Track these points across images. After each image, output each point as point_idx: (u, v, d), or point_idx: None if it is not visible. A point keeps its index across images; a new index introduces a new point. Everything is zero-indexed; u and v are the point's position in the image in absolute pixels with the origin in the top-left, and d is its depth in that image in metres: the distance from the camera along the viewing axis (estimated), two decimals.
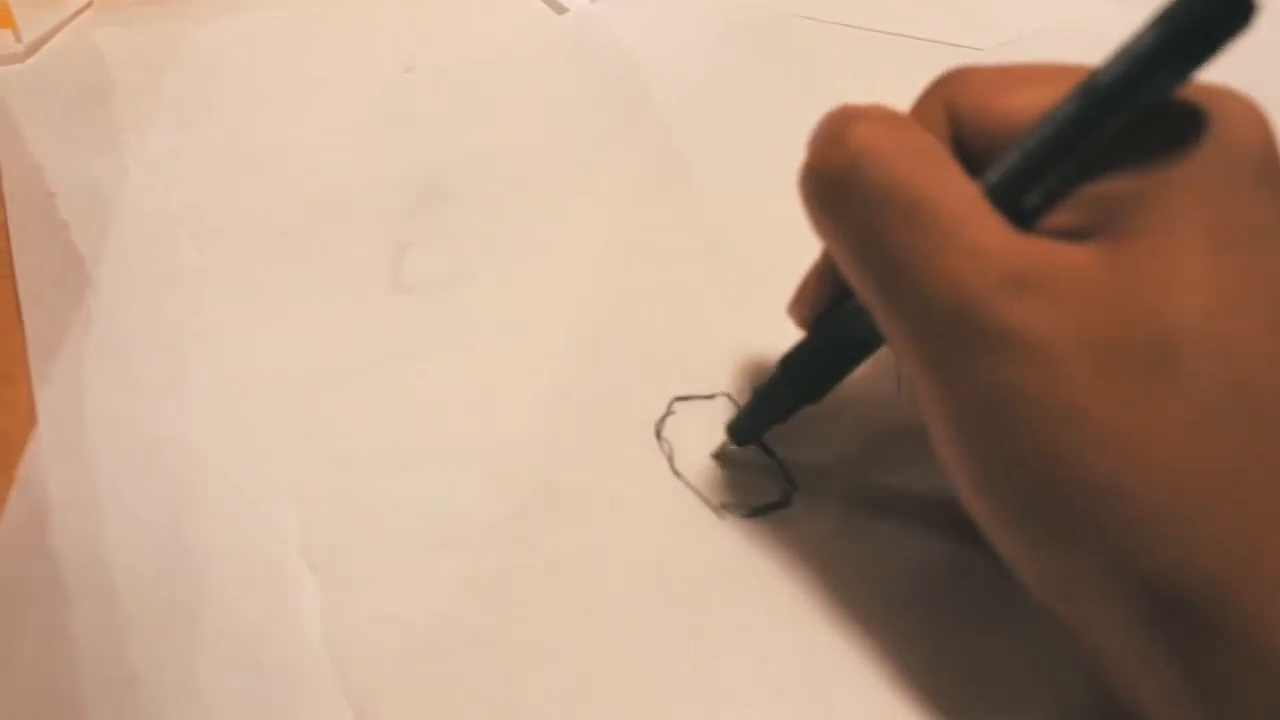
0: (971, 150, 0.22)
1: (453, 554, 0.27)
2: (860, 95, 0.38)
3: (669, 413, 0.30)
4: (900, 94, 0.39)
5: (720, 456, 0.29)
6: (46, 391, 0.30)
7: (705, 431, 0.29)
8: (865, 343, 0.26)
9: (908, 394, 0.30)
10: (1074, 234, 0.21)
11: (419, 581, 0.26)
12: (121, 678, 0.24)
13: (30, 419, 0.30)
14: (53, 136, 0.37)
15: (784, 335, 0.27)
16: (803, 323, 0.28)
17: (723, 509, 0.28)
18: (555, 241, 0.34)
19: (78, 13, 0.41)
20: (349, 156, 0.37)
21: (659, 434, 0.29)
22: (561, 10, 0.42)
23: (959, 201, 0.21)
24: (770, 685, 0.25)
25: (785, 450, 0.29)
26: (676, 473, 0.28)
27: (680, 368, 0.31)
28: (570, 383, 0.30)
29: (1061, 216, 0.21)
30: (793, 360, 0.27)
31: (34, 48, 0.40)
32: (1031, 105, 0.22)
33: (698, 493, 0.28)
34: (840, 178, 0.22)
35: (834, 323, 0.26)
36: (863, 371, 0.29)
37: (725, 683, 0.25)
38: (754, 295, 0.32)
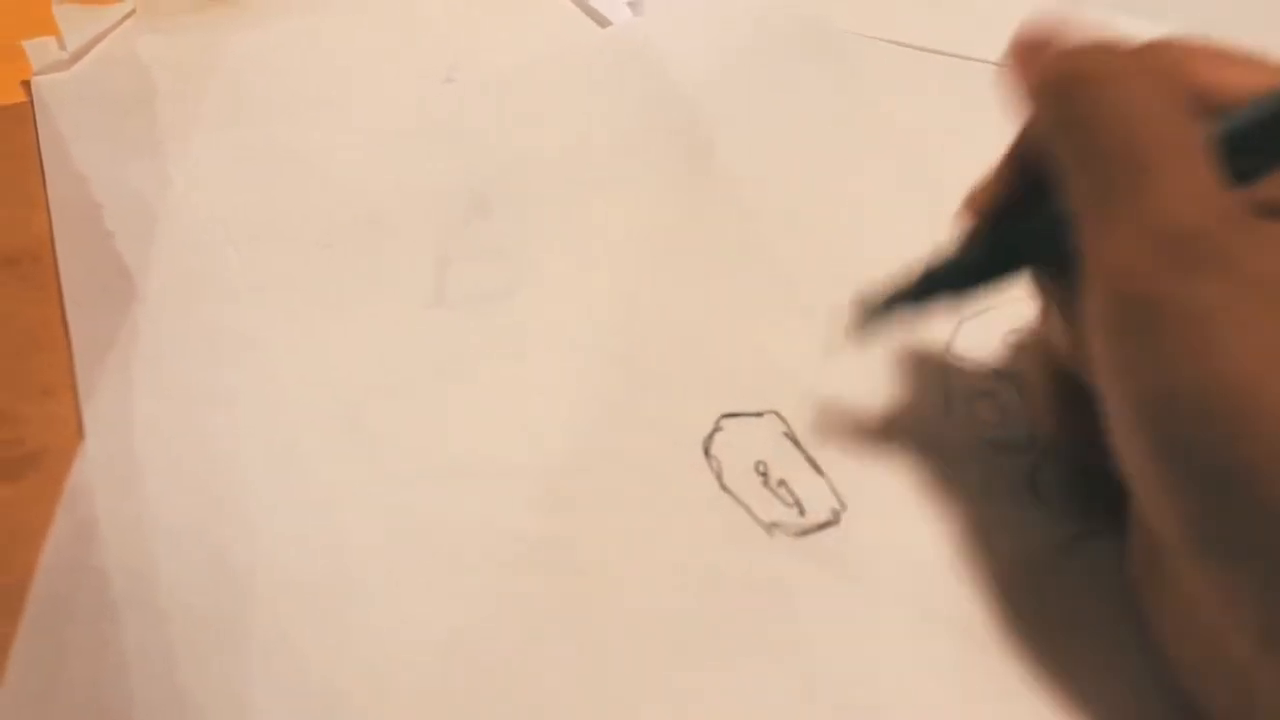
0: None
1: (500, 570, 0.26)
2: (904, 112, 0.38)
3: (716, 429, 0.29)
4: (943, 110, 0.39)
5: (850, 334, 0.28)
6: (93, 405, 0.30)
7: (753, 449, 0.29)
8: (1030, 253, 0.26)
9: (958, 413, 0.29)
10: (1274, 211, 0.21)
11: (466, 598, 0.26)
12: (170, 695, 0.24)
13: (75, 432, 0.30)
14: (97, 145, 0.37)
15: (830, 353, 0.27)
16: (977, 212, 0.27)
17: (772, 527, 0.27)
18: (598, 255, 0.34)
19: (120, 21, 0.41)
20: (391, 168, 0.36)
21: (707, 451, 0.29)
22: (605, 23, 0.42)
23: (1199, 143, 0.21)
24: (819, 703, 0.24)
25: (834, 468, 0.28)
26: (726, 490, 0.28)
27: (726, 383, 0.30)
28: (616, 398, 0.30)
29: (1265, 190, 0.22)
30: (969, 239, 0.27)
31: (77, 56, 0.40)
32: (1246, 82, 0.23)
33: (748, 511, 0.28)
34: (1095, 89, 0.22)
35: (1018, 225, 0.26)
36: (912, 389, 0.29)
37: (774, 700, 0.24)
38: (800, 310, 0.32)
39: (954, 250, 0.27)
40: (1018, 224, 0.26)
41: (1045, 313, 0.27)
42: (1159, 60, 0.23)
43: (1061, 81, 0.23)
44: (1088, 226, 0.22)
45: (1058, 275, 0.26)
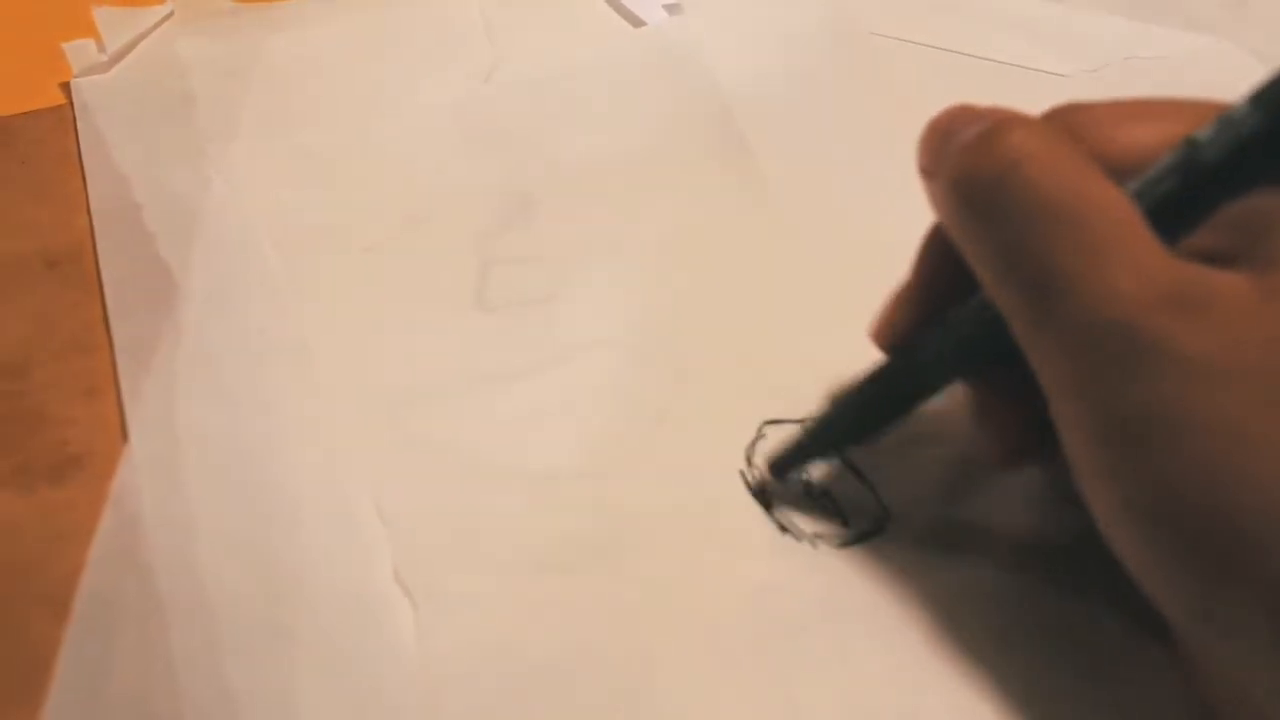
0: None
1: (547, 578, 0.26)
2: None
3: (759, 436, 0.29)
4: None
5: (759, 493, 0.28)
6: (137, 406, 0.30)
7: None
8: (938, 380, 0.25)
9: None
10: (1214, 257, 0.20)
11: (514, 606, 0.26)
12: (218, 696, 0.24)
13: (119, 433, 0.30)
14: (137, 147, 0.37)
15: (874, 355, 0.27)
16: (887, 347, 0.27)
17: (816, 538, 0.27)
18: (637, 258, 0.34)
19: (159, 23, 0.41)
20: (430, 170, 0.37)
21: (749, 459, 0.29)
22: (638, 23, 0.42)
23: (1122, 217, 0.20)
24: (865, 714, 0.24)
25: (877, 476, 0.28)
26: (769, 498, 0.28)
27: (769, 388, 0.30)
28: (658, 403, 0.30)
29: (1200, 239, 0.21)
30: (851, 396, 0.27)
31: (116, 58, 0.40)
32: (1155, 140, 0.22)
33: (790, 520, 0.28)
34: (998, 185, 0.21)
35: (918, 354, 0.25)
36: (954, 393, 0.29)
37: (820, 712, 0.24)
38: (843, 314, 0.31)
39: (866, 388, 0.27)
40: (935, 344, 0.25)
41: (981, 411, 0.26)
42: (1064, 129, 0.22)
43: (966, 184, 0.22)
44: (1029, 336, 0.21)
45: (993, 381, 0.25)
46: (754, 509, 0.28)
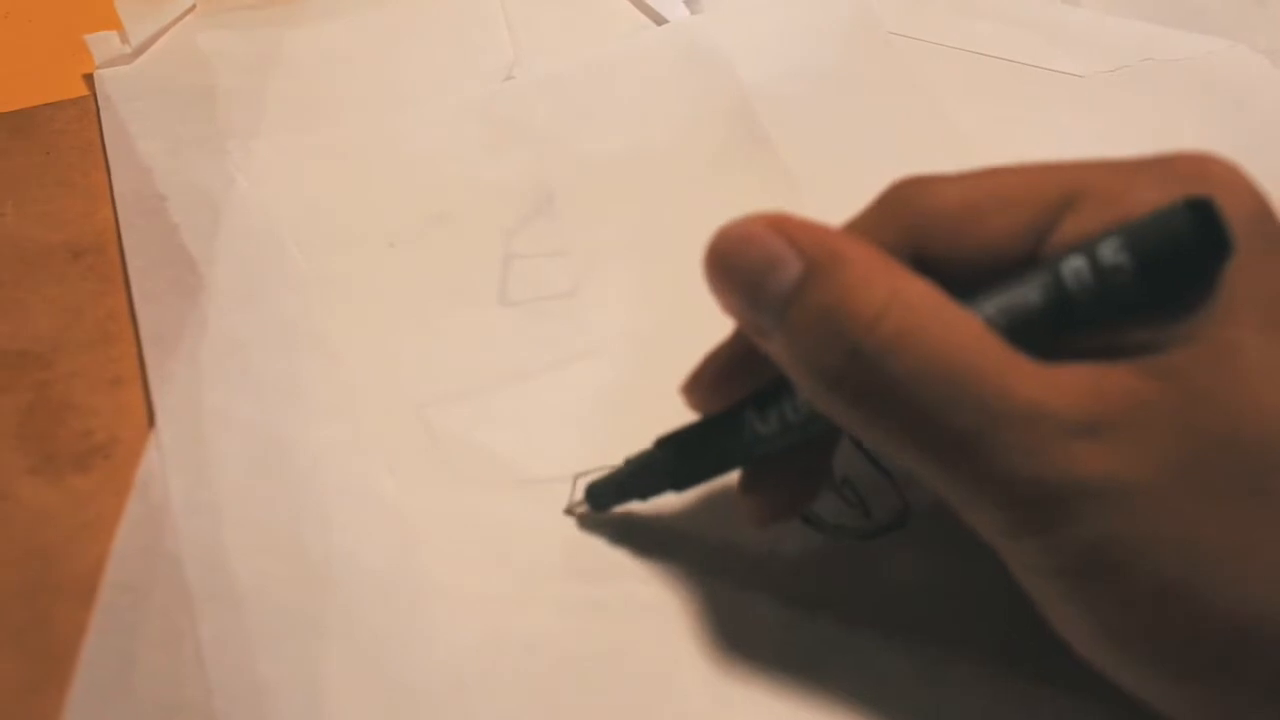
0: (935, 267, 0.21)
1: (571, 575, 0.27)
2: (962, 116, 0.38)
3: None
4: (1002, 117, 0.39)
5: (573, 513, 0.28)
6: (164, 394, 0.30)
7: None
8: (759, 455, 0.24)
9: None
10: (1104, 352, 0.20)
11: (544, 604, 0.26)
12: (246, 683, 0.25)
13: (144, 422, 0.30)
14: (160, 139, 0.37)
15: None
16: (699, 408, 0.26)
17: (837, 531, 0.27)
18: (659, 252, 0.34)
19: (182, 15, 0.41)
20: (452, 165, 0.37)
21: None
22: (660, 20, 0.42)
23: (992, 357, 0.19)
24: (888, 704, 0.24)
25: (899, 470, 0.28)
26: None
27: None
28: (678, 401, 0.30)
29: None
30: (672, 446, 0.26)
31: (140, 50, 0.40)
32: (1010, 231, 0.21)
33: (811, 514, 0.28)
34: (866, 373, 0.20)
35: (734, 430, 0.24)
36: None
37: (838, 709, 0.24)
38: None
39: (690, 444, 0.26)
40: (772, 433, 0.24)
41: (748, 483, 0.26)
42: (885, 218, 0.22)
43: (832, 378, 0.20)
44: (951, 493, 0.20)
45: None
46: None
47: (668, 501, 0.28)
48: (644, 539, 0.27)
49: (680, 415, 0.29)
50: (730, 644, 0.26)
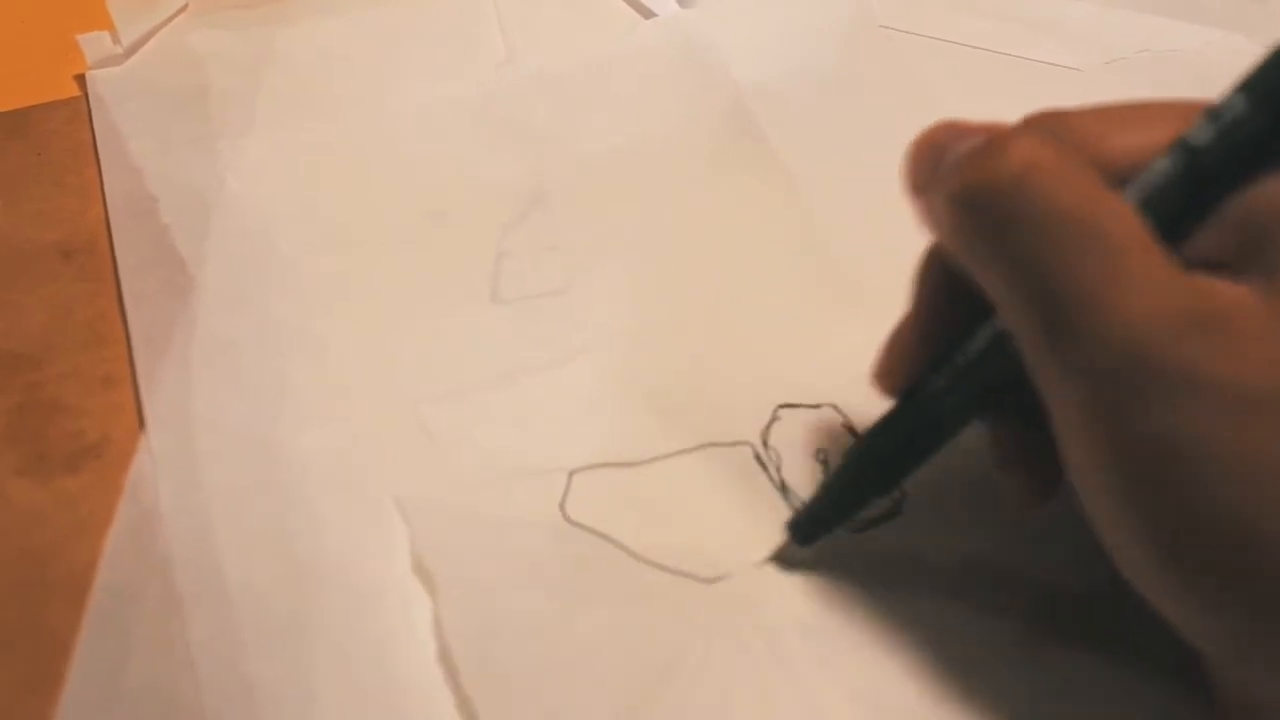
0: None
1: (565, 569, 0.26)
2: (958, 108, 0.38)
3: (774, 419, 0.29)
4: (999, 111, 0.38)
5: (781, 559, 0.27)
6: (154, 396, 0.30)
7: (811, 441, 0.29)
8: (954, 424, 0.24)
9: None
10: (1214, 263, 0.20)
11: (538, 600, 0.26)
12: (236, 684, 0.24)
13: (135, 423, 0.30)
14: (152, 139, 0.37)
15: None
16: (894, 391, 0.25)
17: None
18: (655, 250, 0.34)
19: (174, 15, 0.41)
20: (445, 163, 0.37)
21: (765, 442, 0.29)
22: (648, 14, 0.42)
23: (1132, 230, 0.19)
24: (883, 696, 0.24)
25: None
26: (783, 483, 0.28)
27: (783, 376, 0.30)
28: (676, 395, 0.30)
29: (1202, 244, 0.20)
30: (865, 446, 0.25)
31: (131, 50, 0.40)
32: (1142, 146, 0.21)
33: (805, 504, 0.28)
34: (1004, 198, 0.20)
35: (921, 401, 0.24)
36: None
37: (833, 700, 0.24)
38: (859, 306, 0.32)
39: (879, 442, 0.25)
40: (948, 385, 0.23)
41: (1001, 452, 0.25)
42: (1060, 138, 0.21)
43: (970, 197, 0.21)
44: (1041, 358, 0.20)
45: (1010, 419, 0.24)
46: (770, 497, 0.28)
47: (665, 491, 0.28)
48: (637, 528, 0.27)
49: (677, 414, 0.29)
50: (727, 633, 0.25)
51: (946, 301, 0.24)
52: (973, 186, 0.21)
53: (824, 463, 0.28)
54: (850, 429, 0.29)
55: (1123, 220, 0.20)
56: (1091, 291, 0.19)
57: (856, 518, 0.26)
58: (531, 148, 0.37)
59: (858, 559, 0.27)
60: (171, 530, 0.27)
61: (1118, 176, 0.20)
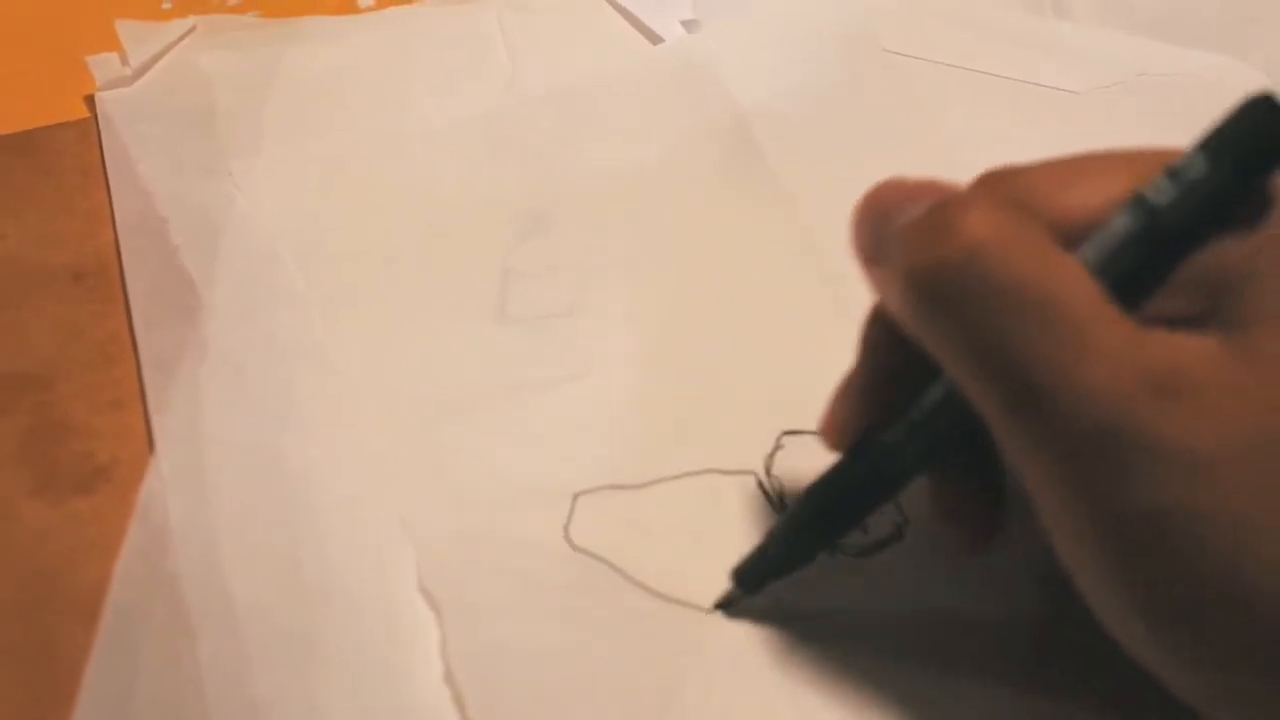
0: None
1: (570, 589, 0.27)
2: (958, 133, 0.39)
3: (777, 447, 0.30)
4: (999, 133, 0.39)
5: (725, 605, 0.27)
6: (164, 417, 0.30)
7: (814, 468, 0.29)
8: (903, 479, 0.24)
9: None
10: (1177, 320, 0.20)
11: (542, 620, 0.26)
12: (245, 707, 0.25)
13: (145, 444, 0.30)
14: (161, 160, 0.37)
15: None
16: (842, 446, 0.25)
17: (834, 547, 0.27)
18: (656, 271, 0.34)
19: (182, 37, 0.42)
20: (450, 183, 0.37)
21: (768, 470, 0.29)
22: (656, 39, 0.42)
23: (1088, 298, 0.19)
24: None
25: None
26: (787, 510, 0.28)
27: (787, 399, 0.31)
28: (678, 416, 0.30)
29: (1165, 302, 0.20)
30: (813, 497, 0.25)
31: (140, 72, 0.40)
32: (1099, 201, 0.21)
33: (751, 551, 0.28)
34: (955, 276, 0.20)
35: (871, 455, 0.24)
36: None
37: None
38: (858, 324, 0.32)
39: (827, 494, 0.25)
40: (897, 442, 0.23)
41: (943, 505, 0.25)
42: (1013, 197, 0.21)
43: (919, 278, 0.21)
44: (1009, 435, 0.20)
45: (953, 472, 0.25)
46: (773, 519, 0.28)
47: (667, 513, 0.28)
48: (644, 554, 0.27)
49: (680, 434, 0.29)
50: (730, 656, 0.26)
51: (894, 357, 0.24)
52: (921, 267, 0.21)
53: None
54: None
55: (1077, 289, 0.19)
56: (1051, 366, 0.19)
57: (796, 569, 0.26)
58: (536, 167, 0.37)
59: (861, 586, 0.27)
60: (181, 552, 0.27)
61: (1074, 233, 0.20)
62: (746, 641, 0.26)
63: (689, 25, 0.43)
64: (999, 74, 0.41)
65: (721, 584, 0.27)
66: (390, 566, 0.27)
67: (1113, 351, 0.19)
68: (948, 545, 0.26)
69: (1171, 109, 0.39)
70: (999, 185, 0.22)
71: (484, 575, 0.27)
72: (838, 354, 0.31)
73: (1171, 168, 0.20)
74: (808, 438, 0.29)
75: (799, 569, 0.26)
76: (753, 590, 0.26)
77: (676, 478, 0.29)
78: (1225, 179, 0.19)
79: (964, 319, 0.20)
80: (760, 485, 0.29)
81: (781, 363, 0.32)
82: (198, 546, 0.27)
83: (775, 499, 0.28)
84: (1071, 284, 0.19)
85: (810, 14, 0.43)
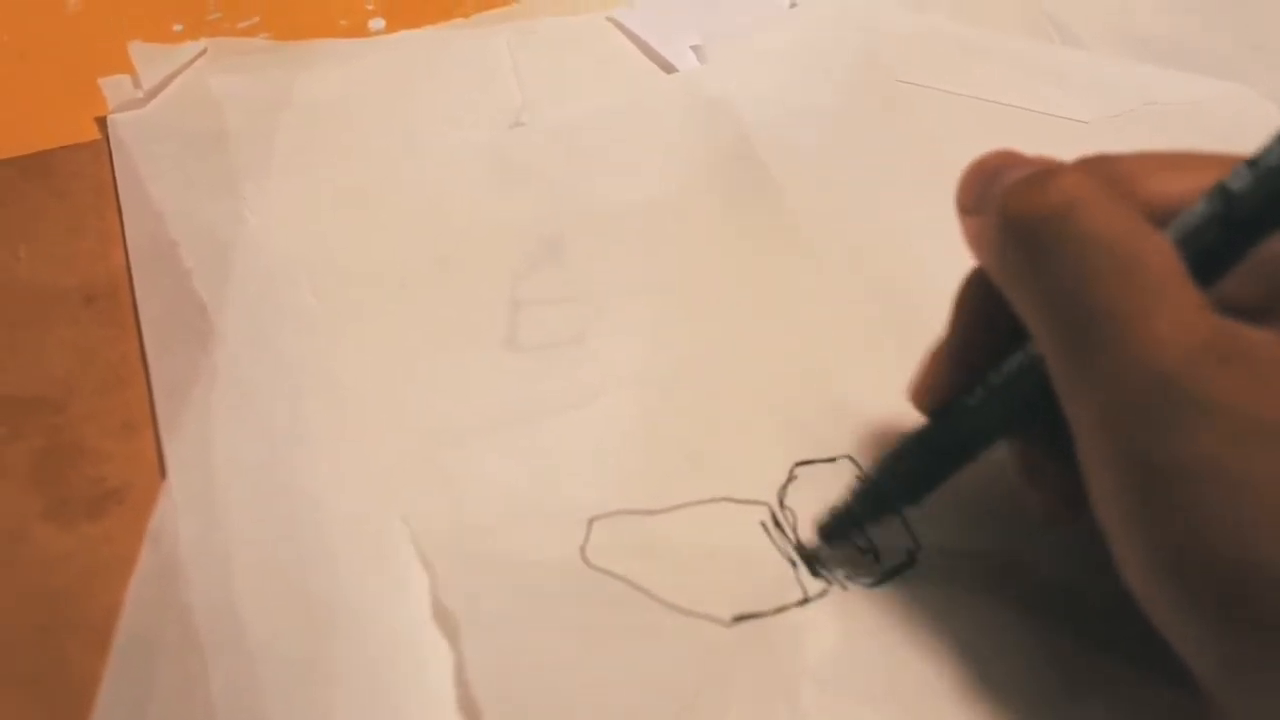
0: None
1: (581, 616, 0.27)
2: (968, 161, 0.38)
3: (790, 478, 0.30)
4: None
5: (808, 559, 0.28)
6: (175, 441, 0.30)
7: (828, 497, 0.29)
8: (984, 440, 0.25)
9: None
10: (1240, 310, 0.21)
11: (556, 643, 0.26)
12: None
13: (156, 468, 0.30)
14: (172, 183, 0.37)
15: (902, 395, 0.27)
16: (927, 409, 0.27)
17: (847, 578, 0.28)
18: (667, 300, 0.34)
19: (193, 59, 0.42)
20: (462, 209, 0.37)
21: (781, 502, 0.29)
22: (668, 67, 0.42)
23: (1168, 264, 0.20)
24: None
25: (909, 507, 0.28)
26: (799, 543, 0.28)
27: (800, 429, 0.31)
28: (690, 444, 0.30)
29: (1232, 289, 0.21)
30: (905, 455, 0.27)
31: (152, 94, 0.40)
32: (1184, 190, 0.22)
33: (821, 564, 0.28)
34: (1050, 225, 0.22)
35: (962, 416, 0.25)
36: None
37: None
38: (873, 355, 0.32)
39: (912, 453, 0.27)
40: (981, 405, 0.25)
41: (1027, 470, 0.26)
42: (1108, 178, 0.22)
43: (1017, 222, 0.22)
44: (1068, 376, 0.21)
45: (1039, 438, 0.25)
46: (784, 553, 0.28)
47: (680, 541, 0.28)
48: (659, 572, 0.27)
49: (693, 462, 0.29)
50: (745, 676, 0.26)
51: (984, 326, 0.25)
52: (1018, 213, 0.22)
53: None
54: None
55: (1160, 254, 0.21)
56: (1124, 316, 0.20)
57: (878, 521, 0.27)
58: (546, 196, 0.37)
59: (874, 609, 0.27)
60: (192, 578, 0.27)
61: (1161, 217, 0.22)
62: (766, 656, 0.26)
63: (699, 51, 0.43)
64: (1008, 103, 0.41)
65: (738, 599, 0.27)
66: (403, 592, 0.27)
67: (1183, 313, 0.20)
68: (1031, 515, 0.26)
69: (1181, 137, 0.39)
70: (1098, 165, 0.23)
71: (501, 597, 0.27)
72: (850, 383, 0.32)
73: (1251, 157, 0.21)
74: (821, 467, 0.30)
75: (877, 520, 0.27)
76: (832, 541, 0.28)
77: (690, 505, 0.29)
78: None
79: (1052, 263, 0.22)
80: (773, 517, 0.29)
81: (793, 391, 0.32)
82: (210, 571, 0.27)
83: (790, 532, 0.28)
84: (1155, 249, 0.21)
85: (820, 43, 0.43)
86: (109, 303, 0.35)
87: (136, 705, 0.25)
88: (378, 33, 0.45)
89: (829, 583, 0.27)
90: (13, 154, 0.39)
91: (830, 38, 0.43)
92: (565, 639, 0.26)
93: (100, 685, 0.26)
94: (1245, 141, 0.22)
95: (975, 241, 0.25)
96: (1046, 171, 0.23)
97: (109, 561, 0.28)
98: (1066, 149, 0.39)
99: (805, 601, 0.27)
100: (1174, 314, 0.20)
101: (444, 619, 0.26)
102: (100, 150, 0.39)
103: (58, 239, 0.37)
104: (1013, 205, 0.23)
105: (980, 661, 0.26)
